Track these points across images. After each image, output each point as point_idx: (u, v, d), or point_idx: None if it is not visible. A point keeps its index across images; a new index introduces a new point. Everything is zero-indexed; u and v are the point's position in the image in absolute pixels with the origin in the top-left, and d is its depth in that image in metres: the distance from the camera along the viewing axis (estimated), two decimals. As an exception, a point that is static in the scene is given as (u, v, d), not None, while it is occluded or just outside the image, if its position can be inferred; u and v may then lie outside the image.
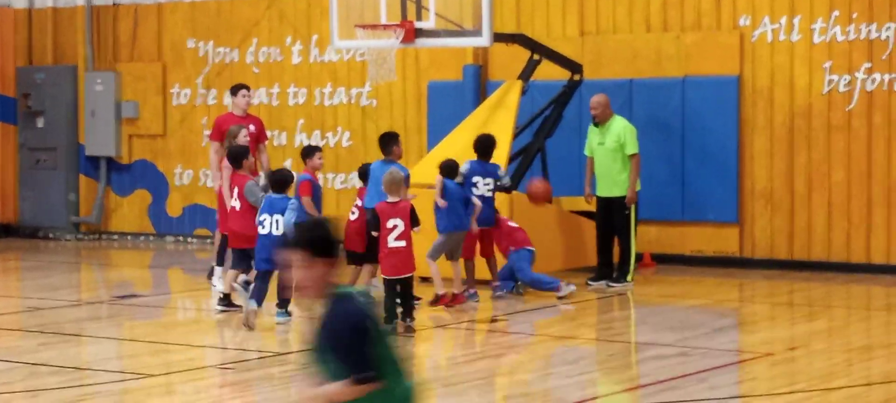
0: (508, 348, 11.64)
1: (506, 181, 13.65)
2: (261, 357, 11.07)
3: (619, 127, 14.36)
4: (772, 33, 15.69)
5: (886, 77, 15.18)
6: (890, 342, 11.71)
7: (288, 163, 17.83)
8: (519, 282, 13.73)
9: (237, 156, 13.01)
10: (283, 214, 12.12)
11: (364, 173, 13.52)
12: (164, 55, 19.49)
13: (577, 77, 15.42)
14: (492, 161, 13.68)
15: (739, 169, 15.84)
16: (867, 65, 15.26)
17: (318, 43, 18.23)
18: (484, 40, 14.31)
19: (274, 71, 18.64)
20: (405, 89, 17.67)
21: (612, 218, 14.35)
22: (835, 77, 15.39)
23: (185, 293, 15.48)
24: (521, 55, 15.29)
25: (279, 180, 12.38)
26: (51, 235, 20.15)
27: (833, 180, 15.45)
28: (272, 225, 12.08)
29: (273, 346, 11.65)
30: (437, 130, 16.39)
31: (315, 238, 4.91)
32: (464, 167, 13.42)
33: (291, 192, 12.54)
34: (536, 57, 15.18)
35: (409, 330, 11.63)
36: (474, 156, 13.73)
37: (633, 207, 14.33)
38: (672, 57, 16.08)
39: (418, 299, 12.04)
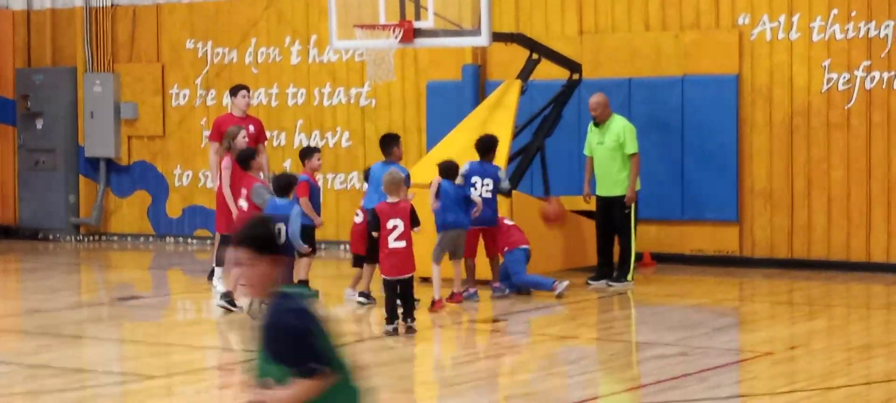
0: (509, 348, 11.64)
1: (505, 185, 13.61)
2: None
3: (619, 126, 14.36)
4: (771, 32, 15.70)
5: (885, 75, 15.18)
6: (890, 341, 11.71)
7: (287, 164, 17.84)
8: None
9: (245, 158, 13.12)
10: (285, 221, 12.12)
11: (368, 176, 13.55)
12: (163, 56, 19.49)
13: (576, 76, 15.42)
14: (493, 161, 13.69)
15: (739, 167, 15.85)
16: (866, 63, 15.26)
17: (317, 43, 18.24)
18: (483, 40, 14.31)
19: (273, 71, 18.64)
20: (404, 89, 17.67)
21: (611, 217, 14.36)
22: (834, 75, 15.40)
23: (186, 294, 15.48)
24: (520, 54, 15.30)
25: (283, 184, 12.42)
26: (51, 237, 20.15)
27: (832, 178, 15.45)
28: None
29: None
30: (437, 130, 16.39)
31: (259, 235, 4.88)
32: (464, 167, 13.43)
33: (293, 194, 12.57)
34: (535, 56, 15.18)
35: (410, 330, 11.63)
36: (474, 156, 13.74)
37: (632, 206, 14.33)
38: (671, 56, 16.09)
39: (418, 301, 12.03)
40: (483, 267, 13.70)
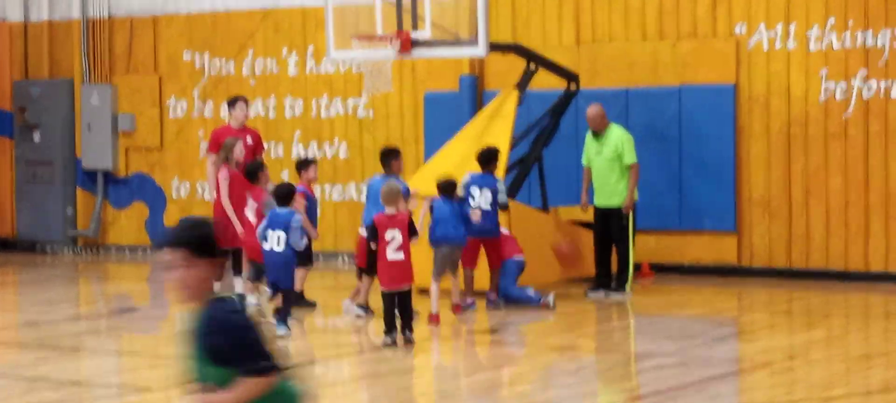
0: (507, 359, 11.62)
1: (502, 198, 13.57)
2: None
3: (617, 136, 14.37)
4: (768, 41, 15.70)
5: (883, 84, 15.19)
6: (888, 350, 11.70)
7: (284, 175, 17.82)
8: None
9: (254, 171, 13.20)
10: (285, 229, 12.14)
11: (368, 189, 13.56)
12: (160, 67, 19.48)
13: (573, 86, 15.42)
14: (494, 172, 13.68)
15: (737, 177, 15.84)
16: (863, 72, 15.27)
17: (314, 54, 18.23)
18: (480, 50, 14.31)
19: (270, 82, 18.64)
20: (402, 100, 17.67)
21: (609, 227, 14.35)
22: (831, 84, 15.40)
23: (183, 306, 15.44)
24: (518, 65, 15.30)
25: (283, 193, 12.46)
26: (48, 249, 20.13)
27: (830, 188, 15.45)
28: (275, 240, 12.14)
29: (272, 359, 11.62)
30: (434, 141, 16.38)
31: (197, 237, 4.78)
32: (464, 178, 13.44)
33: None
34: (532, 66, 15.18)
35: (409, 342, 11.61)
36: (471, 166, 13.74)
37: (630, 216, 14.33)
38: (668, 65, 16.09)
39: (416, 312, 12.01)
40: (482, 279, 13.67)
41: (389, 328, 11.59)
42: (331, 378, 10.77)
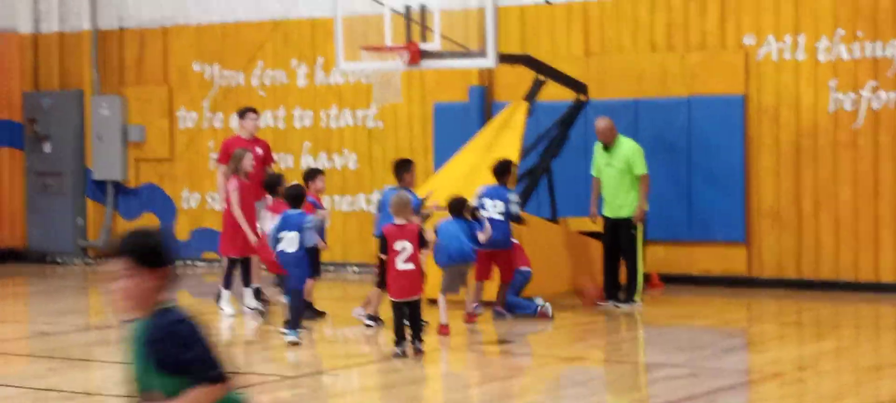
0: (517, 370, 11.62)
1: (514, 209, 13.57)
2: (269, 381, 11.06)
3: (627, 148, 14.39)
4: (777, 52, 15.71)
5: (892, 95, 15.18)
6: (899, 361, 11.69)
7: (294, 186, 17.82)
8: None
9: (273, 185, 13.29)
10: (298, 230, 12.25)
11: (381, 201, 13.60)
12: (170, 79, 19.53)
13: (582, 97, 15.43)
14: (508, 184, 13.71)
15: (746, 188, 15.84)
16: (873, 83, 15.26)
17: (324, 65, 18.27)
18: (489, 61, 14.33)
19: (279, 93, 18.67)
20: (411, 111, 17.69)
21: (618, 238, 14.36)
22: (840, 95, 15.40)
23: (194, 316, 15.46)
24: (527, 76, 15.32)
25: (294, 195, 12.56)
26: (58, 260, 20.17)
27: (840, 199, 15.44)
28: (288, 241, 12.25)
29: (282, 370, 11.65)
30: (443, 152, 16.40)
31: (142, 246, 4.71)
32: (478, 189, 13.49)
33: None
34: (541, 77, 15.20)
35: (419, 352, 11.62)
36: (480, 177, 13.77)
37: (640, 227, 14.34)
38: (677, 76, 16.10)
39: (426, 323, 12.02)
40: (489, 288, 13.67)
41: (399, 338, 11.61)
42: (340, 389, 10.78)
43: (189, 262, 19.49)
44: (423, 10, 14.34)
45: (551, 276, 14.54)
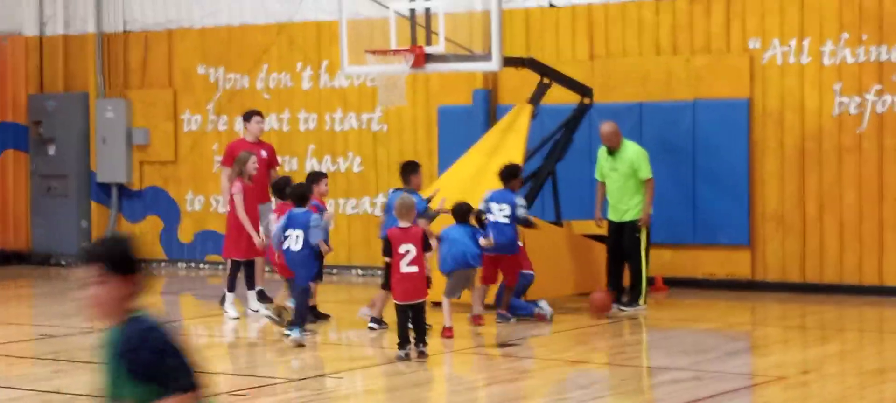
0: (521, 373, 11.62)
1: (520, 212, 13.57)
2: (273, 384, 11.07)
3: (632, 152, 14.39)
4: (781, 55, 15.70)
5: (897, 99, 15.18)
6: (903, 364, 11.68)
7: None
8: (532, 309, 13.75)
9: (281, 187, 13.33)
10: (304, 228, 12.28)
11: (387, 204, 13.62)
12: (175, 81, 19.55)
13: (586, 100, 15.43)
14: (516, 189, 13.72)
15: (750, 191, 15.83)
16: (877, 86, 15.26)
17: (329, 68, 18.28)
18: (493, 64, 14.32)
19: (284, 96, 18.68)
20: (415, 114, 17.69)
21: (623, 241, 14.35)
22: (845, 99, 15.39)
23: (197, 319, 15.48)
24: (531, 79, 15.31)
25: (300, 194, 12.60)
26: (63, 262, 20.18)
27: (844, 202, 15.43)
28: (293, 239, 12.30)
29: (286, 372, 11.65)
30: (448, 155, 16.41)
31: (111, 253, 4.67)
32: (485, 194, 13.51)
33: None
34: (546, 80, 15.20)
35: (422, 355, 11.62)
36: (485, 180, 13.78)
37: (644, 231, 14.34)
38: (682, 80, 16.09)
39: (429, 326, 12.02)
40: (492, 291, 13.68)
41: (403, 341, 11.60)
42: (344, 391, 10.78)
43: (193, 265, 19.50)
44: (427, 13, 14.34)
45: (555, 279, 14.53)
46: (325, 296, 14.25)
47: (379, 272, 17.40)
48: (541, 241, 14.30)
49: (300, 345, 12.22)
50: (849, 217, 15.41)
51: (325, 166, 18.17)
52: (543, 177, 15.15)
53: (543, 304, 13.79)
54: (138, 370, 4.61)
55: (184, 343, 4.68)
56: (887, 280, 15.27)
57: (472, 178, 14.56)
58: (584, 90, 15.44)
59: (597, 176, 14.69)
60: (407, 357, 11.56)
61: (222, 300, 14.44)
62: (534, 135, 15.14)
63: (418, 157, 17.05)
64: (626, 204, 14.33)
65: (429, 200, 13.30)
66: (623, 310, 14.19)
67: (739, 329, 13.87)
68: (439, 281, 12.89)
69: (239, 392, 10.80)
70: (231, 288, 14.23)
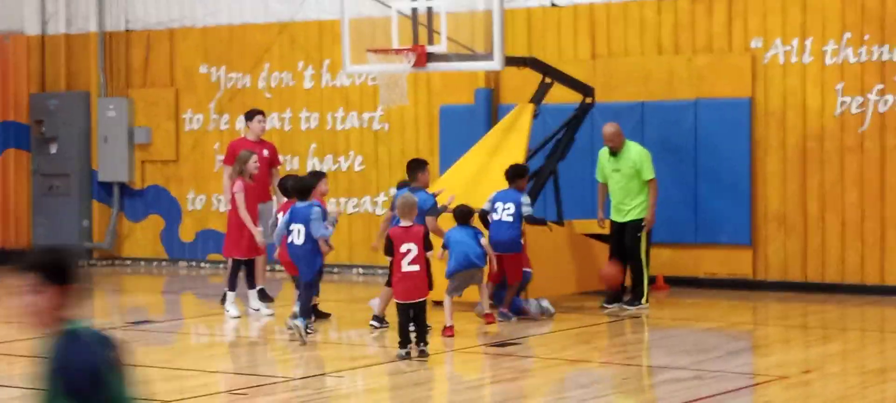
0: (522, 372, 11.61)
1: (525, 210, 13.59)
2: (274, 383, 11.06)
3: (635, 153, 14.40)
4: (783, 55, 15.69)
5: (899, 98, 15.17)
6: (905, 364, 11.66)
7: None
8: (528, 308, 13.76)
9: (289, 186, 13.35)
10: (305, 222, 12.29)
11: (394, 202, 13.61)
12: (177, 81, 19.55)
13: (588, 100, 15.42)
14: (523, 189, 13.73)
15: (752, 191, 15.83)
16: (879, 86, 15.25)
17: (330, 68, 18.27)
18: (495, 64, 14.32)
19: (286, 96, 18.68)
20: (417, 113, 17.69)
21: (624, 241, 14.35)
22: (847, 99, 15.38)
23: (199, 318, 15.48)
24: (533, 78, 15.31)
25: (302, 188, 12.59)
26: (64, 261, 20.14)
27: (846, 202, 15.42)
28: (296, 233, 12.32)
29: (287, 371, 11.65)
30: (449, 154, 16.40)
31: (46, 263, 4.59)
32: (491, 195, 13.53)
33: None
34: (548, 80, 15.19)
35: (423, 354, 11.61)
36: (487, 179, 13.79)
37: (645, 230, 14.35)
38: (684, 79, 16.09)
39: (429, 327, 12.00)
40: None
41: (404, 340, 11.60)
42: (345, 391, 10.78)
43: (194, 264, 19.50)
44: (429, 12, 14.34)
45: (557, 278, 14.52)
46: (326, 295, 14.24)
47: (380, 271, 17.43)
48: (542, 240, 14.29)
49: (300, 338, 12.22)
50: (850, 216, 15.40)
51: (327, 165, 18.17)
52: (545, 176, 15.14)
53: (545, 303, 13.81)
54: (72, 387, 4.50)
55: (122, 359, 4.57)
56: (889, 279, 15.26)
57: (474, 178, 14.56)
58: (585, 89, 15.43)
59: (597, 177, 14.69)
60: (408, 357, 11.56)
61: (223, 299, 14.43)
62: (535, 135, 15.13)
63: (420, 156, 17.06)
64: (628, 205, 14.34)
65: (436, 195, 13.29)
66: (626, 309, 14.19)
67: (741, 328, 13.86)
68: (441, 281, 12.88)
69: (239, 391, 10.79)
70: (232, 287, 14.22)
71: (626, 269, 14.43)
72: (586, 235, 15.20)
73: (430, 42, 14.33)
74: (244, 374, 11.78)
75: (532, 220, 13.71)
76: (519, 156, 14.48)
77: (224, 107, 19.14)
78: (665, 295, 15.52)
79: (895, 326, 13.94)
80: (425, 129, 17.67)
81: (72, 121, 20.03)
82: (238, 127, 18.52)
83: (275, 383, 11.04)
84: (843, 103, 15.40)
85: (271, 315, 14.22)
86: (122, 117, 19.65)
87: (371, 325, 13.12)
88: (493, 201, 13.59)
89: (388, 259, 11.95)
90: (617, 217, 14.44)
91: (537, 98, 15.14)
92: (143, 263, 19.89)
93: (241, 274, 14.25)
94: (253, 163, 14.11)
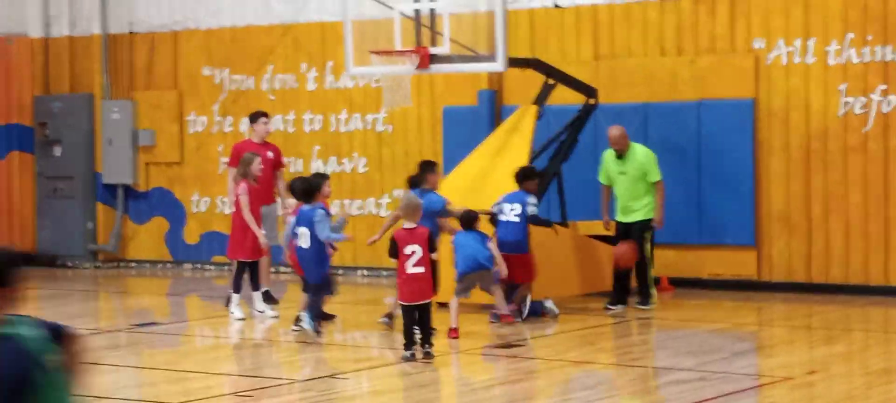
0: (527, 373, 11.62)
1: (530, 209, 13.61)
2: (279, 385, 11.08)
3: (641, 155, 14.42)
4: (787, 56, 15.69)
5: (902, 98, 15.17)
6: (909, 364, 11.67)
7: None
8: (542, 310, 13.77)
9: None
10: (309, 225, 12.31)
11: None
12: (180, 83, 19.56)
13: (592, 101, 15.43)
14: (533, 190, 13.76)
15: (756, 192, 15.83)
16: (883, 86, 15.25)
17: (333, 69, 18.29)
18: (498, 65, 14.33)
19: (289, 98, 18.69)
20: (420, 115, 17.70)
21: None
22: (850, 99, 15.38)
23: (203, 320, 15.50)
24: (536, 80, 15.31)
25: (304, 189, 12.60)
26: (68, 263, 20.20)
27: (850, 202, 15.42)
28: (303, 237, 12.35)
29: (292, 373, 11.66)
30: (453, 155, 16.40)
31: None
32: (499, 198, 13.56)
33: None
34: (551, 81, 15.20)
35: (428, 356, 11.63)
36: (490, 180, 13.82)
37: (650, 232, 14.38)
38: (687, 80, 16.09)
39: (434, 330, 12.01)
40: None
41: (409, 342, 11.61)
42: (350, 392, 10.79)
43: (198, 266, 19.51)
44: (432, 13, 14.35)
45: (560, 280, 14.53)
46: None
47: (385, 273, 17.45)
48: (546, 242, 14.29)
49: (315, 333, 12.27)
50: (854, 217, 15.41)
51: (331, 167, 18.18)
52: (548, 177, 15.15)
53: (549, 304, 13.83)
54: (3, 391, 4.44)
55: (67, 360, 4.51)
56: (893, 280, 15.26)
57: (477, 179, 14.57)
58: (589, 91, 15.44)
59: (601, 179, 14.70)
60: (413, 358, 11.57)
61: (228, 301, 14.44)
62: (539, 136, 15.14)
63: (423, 158, 17.06)
64: (634, 206, 14.37)
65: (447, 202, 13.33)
66: (641, 309, 14.26)
67: (745, 329, 13.87)
68: (447, 283, 12.91)
69: (244, 393, 10.81)
70: (237, 290, 14.24)
71: (631, 271, 14.45)
72: (590, 236, 15.20)
73: (433, 43, 14.34)
74: (249, 376, 11.80)
75: (536, 221, 13.72)
76: (522, 158, 14.49)
77: (228, 109, 19.15)
78: (669, 296, 15.53)
79: (899, 326, 13.94)
80: (429, 131, 17.68)
81: (76, 123, 20.04)
82: (242, 129, 18.53)
83: (280, 385, 11.06)
84: (846, 104, 15.41)
85: (276, 317, 14.23)
86: (125, 119, 19.67)
87: (381, 321, 13.15)
88: (501, 203, 13.63)
89: (393, 260, 11.96)
90: (622, 218, 14.45)
91: (540, 99, 15.15)
92: (147, 265, 19.90)
93: (246, 276, 14.26)
94: (257, 165, 14.12)
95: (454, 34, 14.30)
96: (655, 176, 14.38)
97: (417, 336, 11.67)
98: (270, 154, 15.07)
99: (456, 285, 12.92)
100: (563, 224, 15.12)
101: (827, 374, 11.07)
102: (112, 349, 13.19)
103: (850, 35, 15.34)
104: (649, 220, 14.42)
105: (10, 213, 20.47)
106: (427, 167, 13.45)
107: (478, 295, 13.41)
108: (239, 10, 19.01)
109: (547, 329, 13.36)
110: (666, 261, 15.72)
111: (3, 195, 20.45)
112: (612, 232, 14.64)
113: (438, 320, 12.52)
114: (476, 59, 14.47)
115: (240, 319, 14.13)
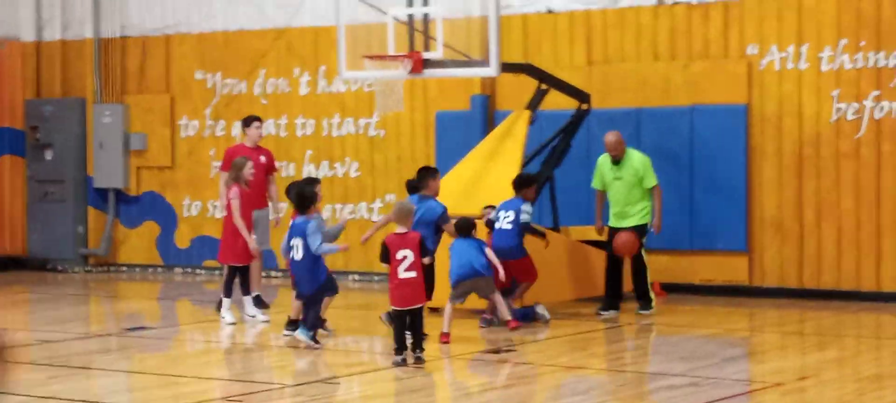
0: (518, 379, 11.60)
1: (523, 217, 13.61)
2: (269, 389, 11.05)
3: (637, 161, 14.43)
4: (780, 61, 15.70)
5: (894, 105, 15.17)
6: (901, 371, 11.66)
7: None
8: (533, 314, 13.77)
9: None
10: (302, 236, 12.25)
11: None
12: (172, 87, 19.54)
13: (584, 106, 15.43)
14: (531, 197, 13.77)
15: (748, 197, 15.83)
16: (875, 93, 15.26)
17: (326, 74, 18.27)
18: (491, 70, 14.32)
19: (281, 102, 18.67)
20: (413, 119, 17.69)
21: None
22: (843, 105, 15.39)
23: (194, 325, 15.46)
24: (529, 85, 15.31)
25: (300, 199, 12.57)
26: (59, 267, 20.16)
27: (842, 208, 15.42)
28: (296, 249, 12.29)
29: (283, 378, 11.64)
30: (446, 160, 16.39)
31: None
32: (498, 206, 13.56)
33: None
34: (544, 86, 15.20)
35: (419, 361, 11.61)
36: (483, 185, 13.82)
37: (644, 237, 14.38)
38: (680, 86, 16.09)
39: (426, 335, 11.99)
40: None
41: (400, 347, 11.59)
42: (341, 397, 10.76)
43: (190, 270, 19.48)
44: (425, 18, 14.34)
45: (553, 285, 14.51)
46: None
47: (376, 278, 17.43)
48: (539, 247, 14.28)
49: (312, 345, 12.25)
50: (846, 223, 15.41)
51: (323, 172, 18.16)
52: (541, 182, 15.14)
53: (541, 309, 13.82)
54: None
55: None
56: (885, 286, 15.27)
57: (470, 184, 14.55)
58: (582, 96, 15.44)
59: (595, 184, 14.69)
60: (404, 363, 11.55)
61: (219, 305, 14.42)
62: (532, 141, 15.13)
63: (416, 163, 17.05)
64: (630, 212, 14.38)
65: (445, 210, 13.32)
66: (642, 314, 14.27)
67: (737, 335, 13.86)
68: (442, 288, 12.89)
69: (235, 398, 10.78)
70: (228, 294, 14.21)
71: (623, 276, 14.44)
72: (583, 242, 15.19)
73: (427, 48, 14.34)
74: (240, 381, 11.76)
75: (528, 229, 13.68)
76: (515, 163, 14.48)
77: (220, 114, 19.13)
78: (662, 301, 15.51)
79: (891, 333, 13.94)
80: (421, 136, 17.67)
81: (67, 127, 20.01)
82: (234, 133, 18.51)
83: (270, 390, 11.03)
84: (838, 109, 15.41)
85: (267, 321, 14.21)
86: (117, 123, 19.63)
87: (382, 318, 13.16)
88: (498, 210, 13.67)
89: (385, 265, 11.94)
90: (617, 223, 14.44)
91: (533, 104, 15.15)
92: (138, 269, 19.86)
93: (237, 281, 14.23)
94: (249, 170, 14.10)
95: (447, 39, 14.29)
96: (652, 181, 14.38)
97: (409, 341, 11.65)
98: (263, 158, 15.05)
99: (451, 291, 12.91)
100: (556, 229, 15.12)
101: (818, 380, 11.06)
102: (103, 353, 13.16)
103: (844, 41, 15.35)
104: (644, 225, 14.42)
105: (0, 217, 20.43)
106: (428, 173, 13.44)
107: (473, 301, 13.39)
108: (231, 14, 19.00)
109: (539, 334, 13.35)
110: (658, 267, 15.71)
111: (-5, 199, 20.42)
112: (604, 238, 14.64)
113: (431, 325, 12.50)
114: (469, 63, 14.46)
115: (231, 323, 14.10)
